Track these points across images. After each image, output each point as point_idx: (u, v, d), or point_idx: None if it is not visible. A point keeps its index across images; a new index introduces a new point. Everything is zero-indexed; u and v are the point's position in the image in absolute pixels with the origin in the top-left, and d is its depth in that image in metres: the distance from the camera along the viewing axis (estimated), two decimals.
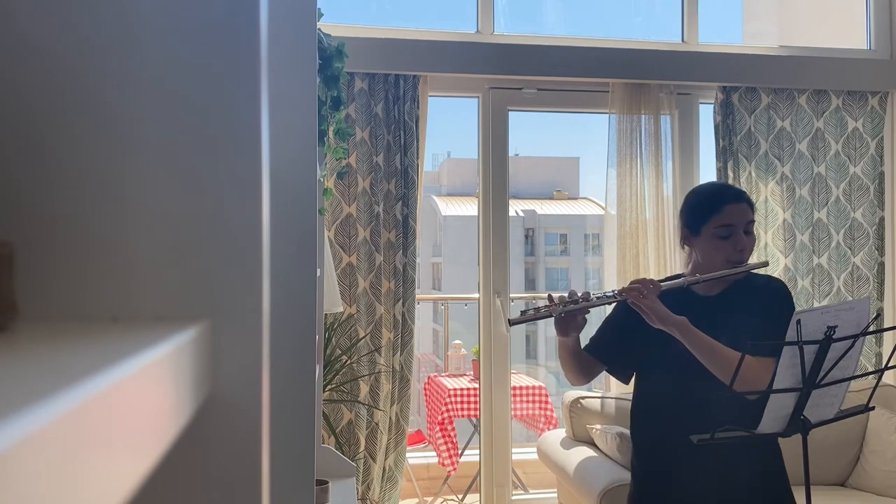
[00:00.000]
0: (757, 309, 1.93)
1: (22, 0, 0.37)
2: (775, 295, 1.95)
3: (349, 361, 3.54)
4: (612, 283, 3.81)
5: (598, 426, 3.35)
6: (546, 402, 4.42)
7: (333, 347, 3.51)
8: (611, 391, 3.76)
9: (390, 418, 3.62)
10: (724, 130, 3.88)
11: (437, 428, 4.31)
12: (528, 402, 4.41)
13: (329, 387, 3.44)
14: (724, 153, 3.88)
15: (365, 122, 3.59)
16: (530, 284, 12.46)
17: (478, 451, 3.95)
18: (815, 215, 3.95)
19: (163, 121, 0.38)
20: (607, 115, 3.84)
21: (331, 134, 1.99)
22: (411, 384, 3.65)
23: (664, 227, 3.81)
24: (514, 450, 3.99)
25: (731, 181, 3.80)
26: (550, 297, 2.02)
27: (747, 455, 1.91)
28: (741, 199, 1.99)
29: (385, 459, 3.62)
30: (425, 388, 4.90)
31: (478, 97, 3.84)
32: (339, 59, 1.87)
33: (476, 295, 3.94)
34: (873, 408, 2.00)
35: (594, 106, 3.93)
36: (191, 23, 0.38)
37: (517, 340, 9.24)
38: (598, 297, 1.99)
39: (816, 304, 3.89)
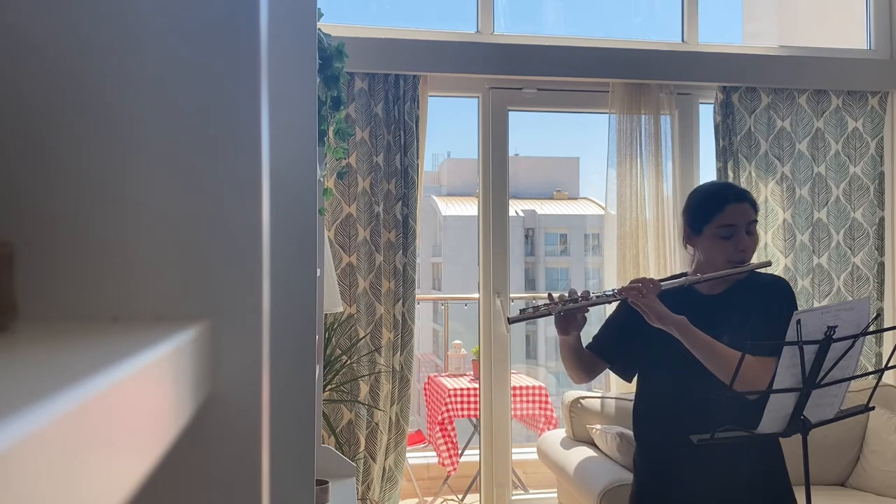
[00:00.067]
0: (759, 308, 1.92)
1: (22, 0, 0.37)
2: (777, 294, 1.95)
3: (349, 361, 3.54)
4: (612, 283, 3.81)
5: (598, 426, 3.35)
6: (546, 402, 4.42)
7: (333, 347, 3.51)
8: (611, 391, 3.77)
9: (390, 418, 3.62)
10: (724, 130, 3.88)
11: (437, 428, 4.31)
12: (528, 402, 4.41)
13: (329, 387, 3.44)
14: (724, 153, 3.88)
15: (365, 122, 3.59)
16: (530, 284, 12.45)
17: (478, 451, 3.95)
18: (815, 215, 3.95)
19: (163, 121, 0.38)
20: (607, 115, 3.84)
21: (331, 134, 1.99)
22: (411, 384, 3.65)
23: (664, 227, 3.81)
24: (514, 450, 3.99)
25: (731, 181, 3.80)
26: (550, 296, 2.02)
27: (748, 455, 1.91)
28: (743, 199, 1.98)
29: (385, 459, 3.62)
30: (425, 388, 4.90)
31: (478, 97, 3.84)
32: (339, 59, 1.87)
33: (476, 295, 3.94)
34: (873, 408, 2.00)
35: (594, 106, 3.93)
36: (191, 23, 0.38)
37: (517, 340, 9.24)
38: (597, 297, 2.00)
39: (816, 304, 3.89)
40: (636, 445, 2.11)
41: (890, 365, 1.90)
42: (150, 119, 0.38)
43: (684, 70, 3.86)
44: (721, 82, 3.87)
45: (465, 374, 4.79)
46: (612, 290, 2.03)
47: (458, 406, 4.35)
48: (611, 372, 2.20)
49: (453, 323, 5.97)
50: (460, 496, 4.30)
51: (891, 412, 3.40)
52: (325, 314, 2.98)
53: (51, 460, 0.20)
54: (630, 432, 2.96)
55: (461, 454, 4.39)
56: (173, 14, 0.38)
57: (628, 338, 2.07)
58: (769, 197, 3.91)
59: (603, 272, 4.09)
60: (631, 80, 3.80)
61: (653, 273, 3.72)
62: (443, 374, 4.90)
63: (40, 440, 0.19)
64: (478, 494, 3.89)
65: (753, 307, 1.93)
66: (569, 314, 1.97)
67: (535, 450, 3.81)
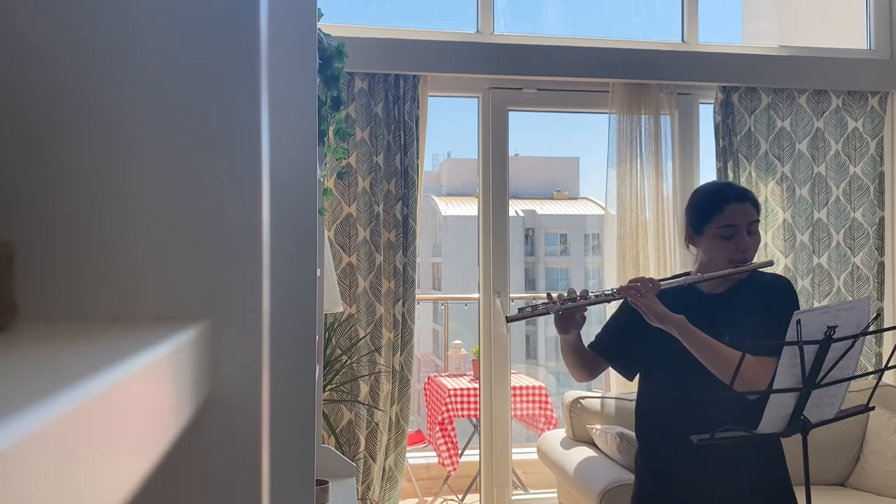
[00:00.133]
0: (761, 307, 1.92)
1: (22, 0, 0.37)
2: (778, 294, 1.95)
3: (349, 361, 3.54)
4: (612, 282, 3.81)
5: (598, 426, 3.35)
6: (546, 402, 4.42)
7: (333, 347, 3.51)
8: (611, 391, 3.77)
9: (390, 418, 3.62)
10: (724, 130, 3.88)
11: (437, 428, 4.31)
12: (528, 402, 4.41)
13: (329, 387, 3.44)
14: (724, 153, 3.88)
15: (365, 122, 3.59)
16: (530, 284, 12.46)
17: (478, 451, 3.95)
18: (815, 215, 3.95)
19: (163, 121, 0.38)
20: (607, 115, 3.84)
21: (331, 134, 1.99)
22: (411, 384, 3.65)
23: (664, 227, 3.81)
24: (514, 450, 3.99)
25: (731, 181, 3.80)
26: (549, 296, 2.02)
27: (749, 455, 1.91)
28: (744, 199, 1.98)
29: (385, 459, 3.62)
30: (425, 388, 4.90)
31: (478, 97, 3.84)
32: (339, 59, 1.87)
33: (476, 295, 3.94)
34: (873, 408, 2.00)
35: (594, 106, 3.93)
36: (191, 23, 0.38)
37: (517, 340, 9.24)
38: (595, 296, 2.00)
39: (816, 304, 3.89)
40: (637, 445, 2.11)
41: (890, 365, 1.90)
42: (150, 119, 0.38)
43: (684, 70, 3.86)
44: (721, 82, 3.87)
45: (465, 374, 4.79)
46: (611, 289, 2.03)
47: (458, 406, 4.35)
48: (611, 372, 2.20)
49: (453, 323, 5.97)
50: (460, 496, 4.30)
51: (891, 412, 3.40)
52: (325, 314, 2.98)
53: (51, 460, 0.20)
54: (630, 432, 2.96)
55: (461, 454, 4.39)
56: (173, 14, 0.38)
57: (629, 337, 2.07)
58: (769, 197, 3.91)
59: (603, 272, 4.09)
60: (631, 80, 3.80)
61: (653, 273, 3.72)
62: (443, 374, 4.90)
63: (40, 440, 0.19)
64: (478, 494, 3.89)
65: (755, 307, 1.93)
66: (567, 313, 1.98)
67: (535, 450, 3.81)
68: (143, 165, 0.38)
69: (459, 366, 4.95)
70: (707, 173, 4.01)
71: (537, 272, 12.89)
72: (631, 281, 2.01)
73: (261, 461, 0.40)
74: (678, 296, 1.96)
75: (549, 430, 4.10)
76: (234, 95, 0.39)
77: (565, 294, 2.00)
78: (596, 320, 3.94)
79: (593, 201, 10.79)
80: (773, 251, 3.90)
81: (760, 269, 1.98)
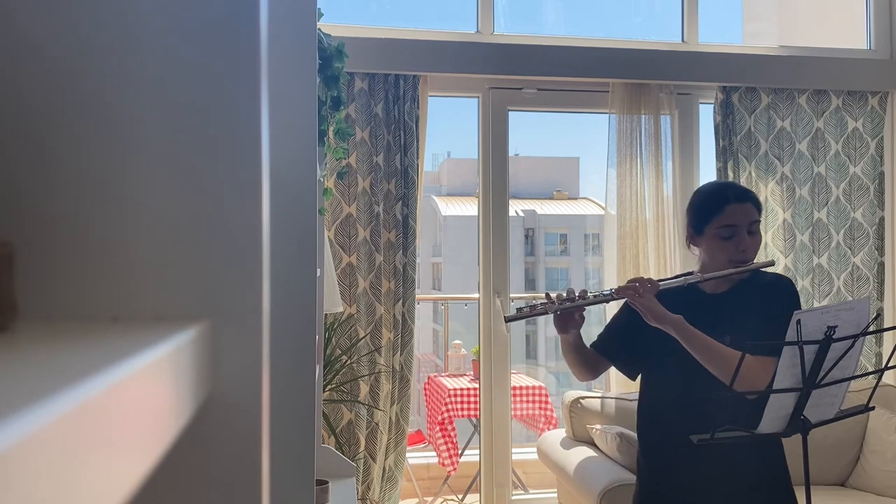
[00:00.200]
0: (762, 307, 1.92)
1: (22, 0, 0.37)
2: (779, 294, 1.95)
3: (349, 361, 3.54)
4: (612, 283, 3.81)
5: (598, 426, 3.35)
6: (546, 402, 4.42)
7: (333, 347, 3.51)
8: (611, 391, 3.77)
9: (390, 418, 3.62)
10: (724, 130, 3.88)
11: (437, 428, 4.31)
12: (528, 402, 4.41)
13: (329, 387, 3.44)
14: (724, 153, 3.88)
15: (365, 122, 3.59)
16: (530, 284, 12.46)
17: (478, 451, 3.95)
18: (815, 215, 3.95)
19: (163, 121, 0.38)
20: (607, 115, 3.84)
21: (331, 134, 1.99)
22: (411, 384, 3.65)
23: (664, 227, 3.81)
24: (514, 450, 3.99)
25: (732, 181, 3.80)
26: (548, 296, 2.02)
27: (749, 455, 1.91)
28: (744, 199, 1.97)
29: (385, 459, 3.62)
30: (425, 388, 4.90)
31: (478, 97, 3.84)
32: (339, 59, 1.87)
33: (476, 295, 3.94)
34: (873, 408, 2.00)
35: (594, 106, 3.93)
36: (191, 23, 0.38)
37: (517, 340, 9.24)
38: (594, 296, 2.00)
39: (816, 304, 3.89)
40: (639, 445, 2.11)
41: (890, 365, 1.90)
42: (150, 119, 0.38)
43: (684, 70, 3.86)
44: (721, 82, 3.87)
45: (465, 374, 4.79)
46: (610, 289, 2.03)
47: (458, 406, 4.35)
48: (611, 372, 2.20)
49: (453, 323, 5.97)
50: (460, 496, 4.30)
51: (891, 412, 3.40)
52: (325, 314, 2.98)
53: (51, 460, 0.20)
54: (630, 432, 2.97)
55: (461, 454, 4.39)
56: (173, 14, 0.38)
57: (630, 337, 2.07)
58: (769, 197, 3.91)
59: (603, 272, 4.09)
60: (631, 80, 3.80)
61: (652, 273, 3.72)
62: (443, 374, 4.90)
63: (40, 440, 0.19)
64: (478, 494, 3.89)
65: (757, 306, 1.93)
66: (566, 313, 1.98)
67: (535, 450, 3.81)
68: (143, 165, 0.38)
69: (459, 366, 4.95)
70: (707, 173, 4.02)
71: (537, 272, 12.89)
72: (629, 281, 2.01)
73: (261, 461, 0.40)
74: (679, 296, 1.96)
75: (549, 430, 4.10)
76: (234, 95, 0.39)
77: (564, 294, 2.00)
78: (596, 320, 3.94)
79: (593, 201, 10.79)
80: (773, 251, 3.90)
81: (762, 269, 1.98)
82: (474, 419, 4.47)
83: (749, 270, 1.96)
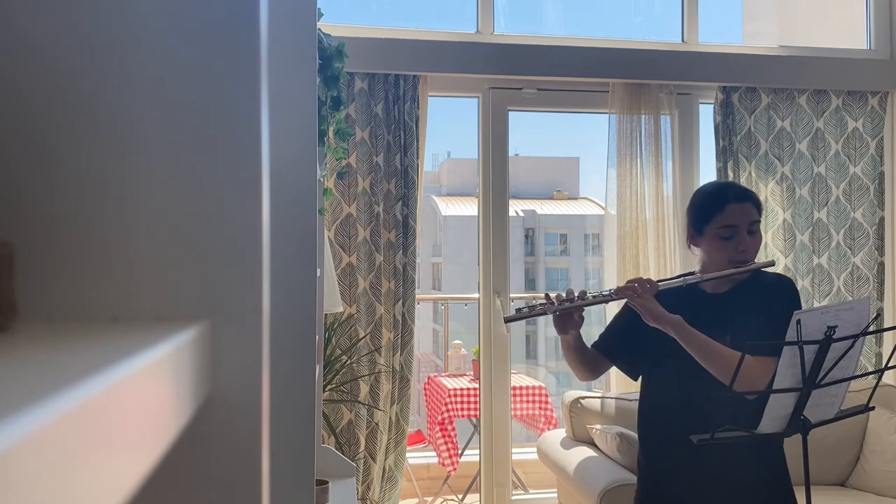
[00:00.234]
0: (762, 307, 1.92)
1: (22, 0, 0.37)
2: (779, 293, 1.95)
3: (349, 361, 3.54)
4: (612, 283, 3.81)
5: (598, 426, 3.35)
6: (546, 402, 4.42)
7: (333, 347, 3.51)
8: (611, 391, 3.77)
9: (390, 418, 3.62)
10: (724, 130, 3.88)
11: (437, 428, 4.31)
12: (528, 402, 4.41)
13: (329, 387, 3.44)
14: (724, 153, 3.88)
15: (365, 122, 3.59)
16: (530, 284, 12.46)
17: (478, 451, 3.95)
18: (815, 215, 3.95)
19: (163, 121, 0.38)
20: (607, 115, 3.84)
21: (331, 134, 1.99)
22: (411, 384, 3.66)
23: (664, 227, 3.81)
24: (514, 450, 3.99)
25: (732, 181, 3.80)
26: (548, 296, 2.02)
27: (749, 455, 1.91)
28: (744, 199, 1.97)
29: (385, 459, 3.62)
30: (425, 388, 4.90)
31: (478, 97, 3.84)
32: (339, 59, 1.87)
33: (476, 295, 3.94)
34: (873, 408, 2.00)
35: (594, 106, 3.93)
36: (191, 23, 0.38)
37: (517, 340, 9.24)
38: (593, 296, 2.01)
39: (816, 304, 3.89)
40: (639, 446, 2.11)
41: (890, 365, 1.90)
42: (150, 119, 0.38)
43: (684, 70, 3.86)
44: (721, 82, 3.87)
45: (465, 374, 4.79)
46: (609, 290, 2.03)
47: (458, 406, 4.35)
48: (611, 372, 2.20)
49: (453, 323, 5.97)
50: (460, 496, 4.30)
51: (891, 412, 3.40)
52: (325, 314, 2.98)
53: (51, 460, 0.20)
54: (630, 432, 2.97)
55: (461, 454, 4.39)
56: (173, 14, 0.38)
57: (631, 337, 2.07)
58: (769, 197, 3.91)
59: (603, 272, 4.09)
60: (631, 80, 3.80)
61: (652, 273, 3.72)
62: (443, 374, 4.90)
63: (40, 440, 0.19)
64: (478, 494, 3.89)
65: (757, 306, 1.93)
66: (566, 314, 1.98)
67: (535, 450, 3.81)
68: (143, 165, 0.38)
69: (459, 366, 4.95)
70: (707, 173, 4.02)
71: (537, 272, 12.89)
72: (629, 281, 2.01)
73: (261, 461, 0.40)
74: (680, 296, 1.96)
75: (549, 430, 4.10)
76: (234, 95, 0.39)
77: (564, 295, 2.00)
78: (596, 321, 3.95)
79: (593, 201, 10.79)
80: (773, 251, 3.90)
81: (762, 269, 1.98)
82: (474, 419, 4.47)
83: (749, 270, 1.96)
